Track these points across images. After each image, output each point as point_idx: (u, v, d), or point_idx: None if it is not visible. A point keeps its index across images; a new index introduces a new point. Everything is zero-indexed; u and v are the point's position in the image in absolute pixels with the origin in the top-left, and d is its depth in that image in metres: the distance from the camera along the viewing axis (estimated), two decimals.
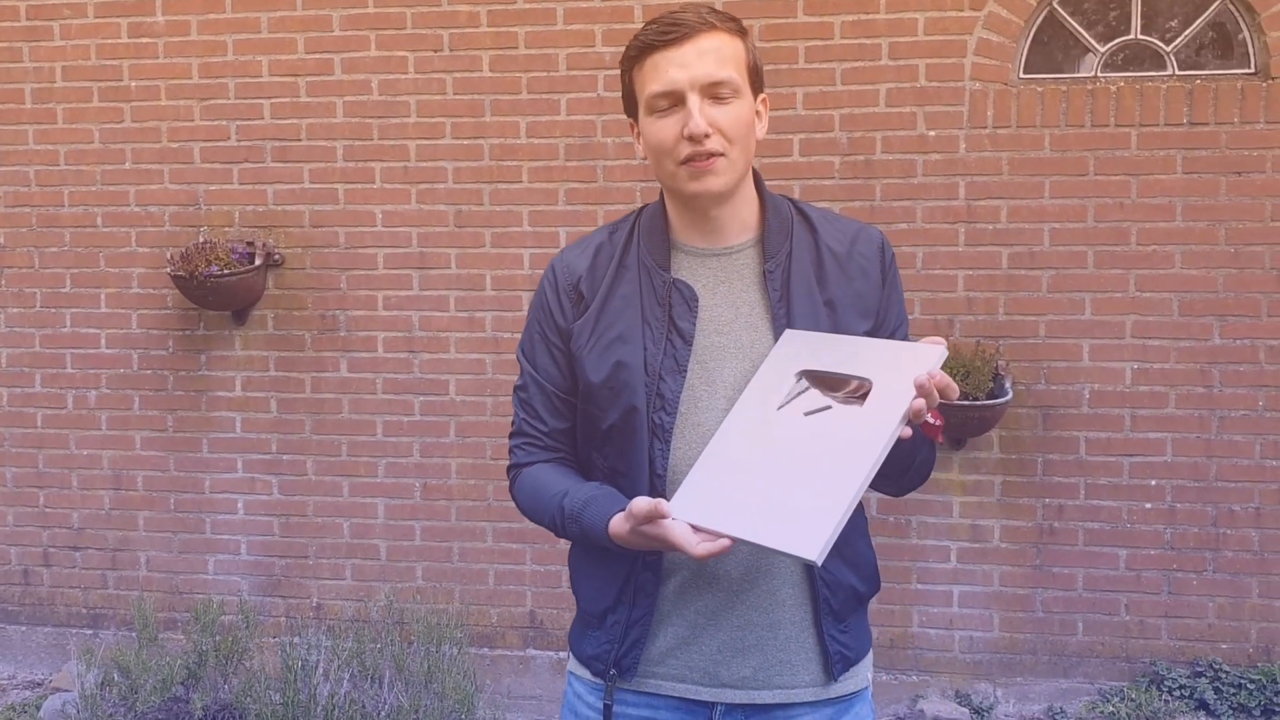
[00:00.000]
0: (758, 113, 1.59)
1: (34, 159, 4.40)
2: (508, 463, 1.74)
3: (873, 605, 4.06)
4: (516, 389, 1.73)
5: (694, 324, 1.57)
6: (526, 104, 4.13)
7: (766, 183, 1.68)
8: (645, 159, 1.63)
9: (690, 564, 1.57)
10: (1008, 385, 3.80)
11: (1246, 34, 3.86)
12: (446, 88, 4.16)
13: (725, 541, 1.39)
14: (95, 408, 4.44)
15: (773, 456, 1.43)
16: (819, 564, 1.31)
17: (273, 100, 4.26)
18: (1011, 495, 3.98)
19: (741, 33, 1.57)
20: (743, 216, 1.62)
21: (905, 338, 1.67)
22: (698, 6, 1.55)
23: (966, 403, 3.71)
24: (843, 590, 1.61)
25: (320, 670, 3.87)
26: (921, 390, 1.39)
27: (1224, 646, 3.92)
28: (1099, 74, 3.94)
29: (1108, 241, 3.90)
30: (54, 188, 4.40)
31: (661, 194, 1.65)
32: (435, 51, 4.16)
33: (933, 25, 3.90)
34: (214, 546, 4.42)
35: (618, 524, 1.50)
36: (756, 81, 1.58)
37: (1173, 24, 3.92)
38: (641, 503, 1.45)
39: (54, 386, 4.46)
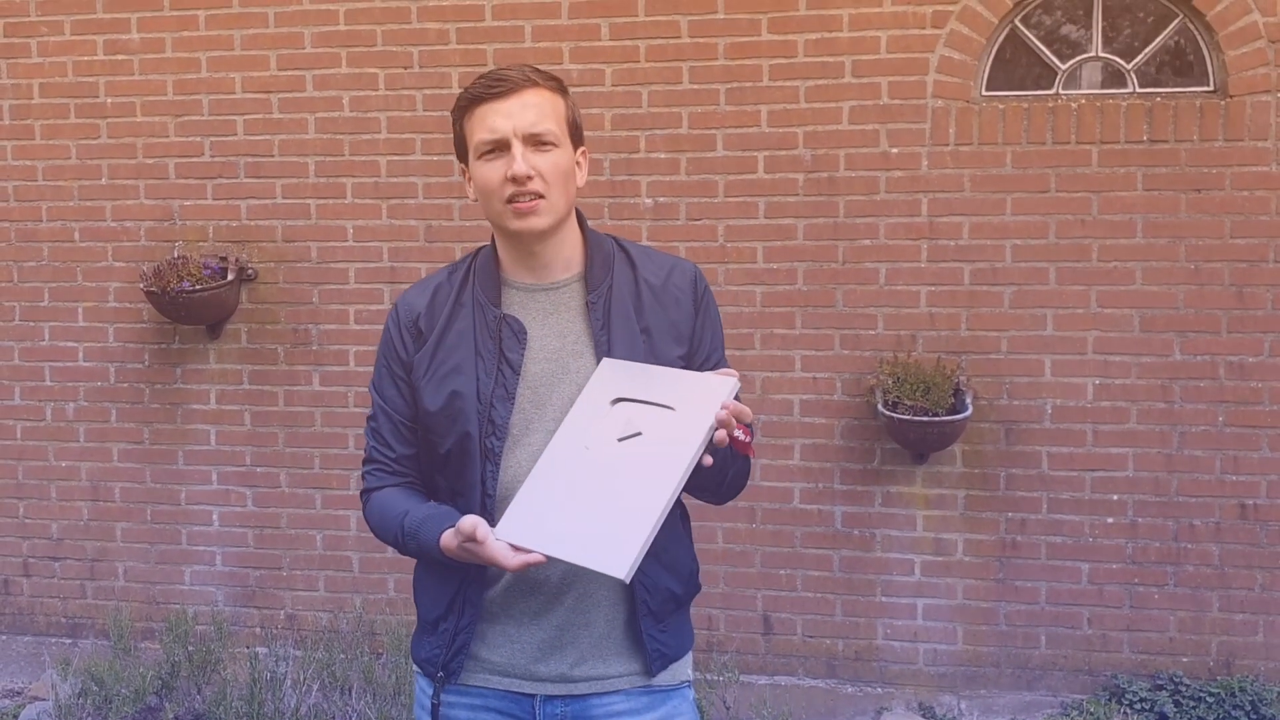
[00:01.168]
0: (577, 163, 1.76)
1: (12, 175, 4.45)
2: (361, 488, 1.88)
3: (837, 617, 4.10)
4: (368, 419, 1.87)
5: (522, 355, 1.73)
6: None
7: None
8: (476, 200, 1.75)
9: (514, 574, 1.70)
10: (968, 400, 3.84)
11: (1206, 52, 3.88)
12: (417, 104, 4.21)
13: (537, 556, 1.55)
14: (73, 420, 4.50)
15: (587, 480, 1.58)
16: (626, 580, 1.45)
17: (246, 117, 4.31)
18: (975, 509, 4.01)
19: (562, 91, 1.74)
20: (565, 255, 1.77)
21: (721, 361, 1.83)
22: (523, 66, 1.73)
23: (926, 418, 3.75)
24: (660, 593, 1.77)
25: (289, 681, 3.92)
26: (721, 422, 1.56)
27: (1185, 660, 3.95)
28: (1060, 91, 3.96)
29: (1069, 258, 3.92)
30: (32, 203, 4.45)
31: (493, 239, 1.81)
32: (405, 69, 4.20)
33: (895, 43, 3.93)
34: (190, 557, 4.47)
35: (447, 539, 1.65)
36: (576, 135, 1.75)
37: (1133, 42, 3.94)
38: (467, 522, 1.60)
39: (33, 399, 4.52)
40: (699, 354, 1.80)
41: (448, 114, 4.13)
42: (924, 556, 4.05)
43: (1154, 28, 3.92)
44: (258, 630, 4.42)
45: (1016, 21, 3.97)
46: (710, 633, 4.17)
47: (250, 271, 4.31)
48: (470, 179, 1.75)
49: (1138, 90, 3.92)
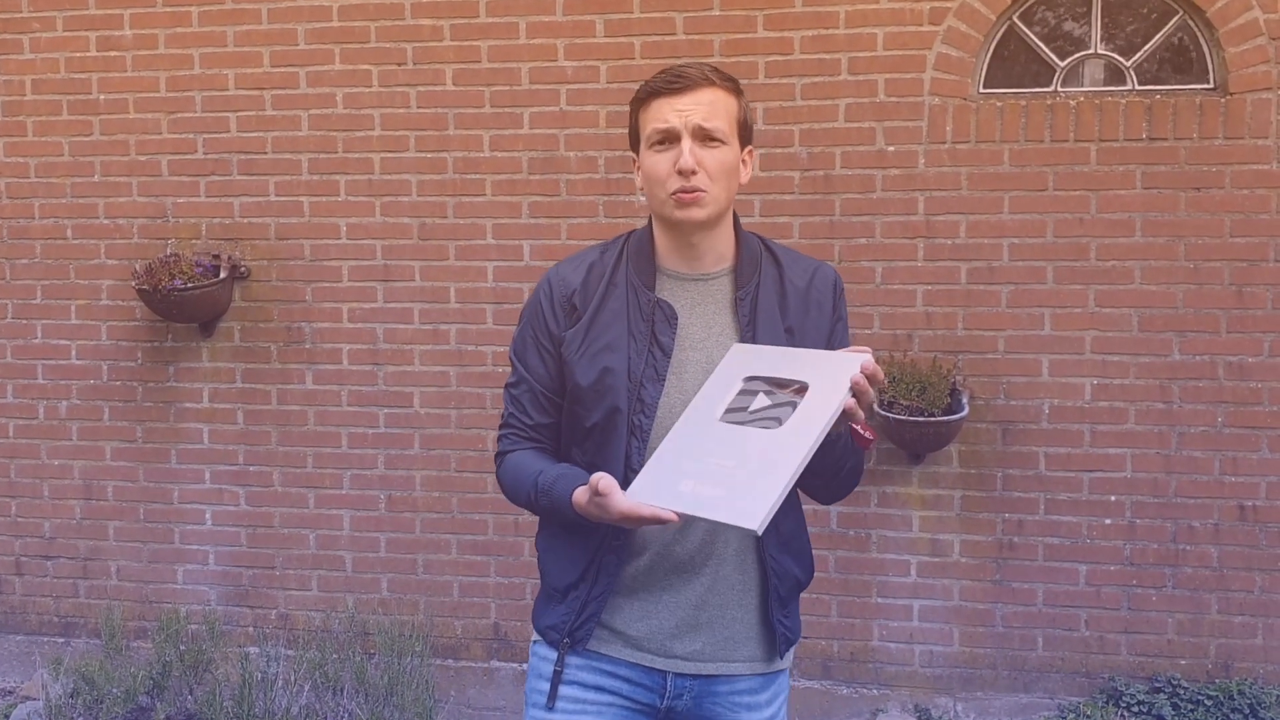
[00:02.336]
0: (743, 161, 1.82)
1: (4, 171, 4.43)
2: (495, 450, 1.95)
3: (832, 617, 4.07)
4: (508, 385, 1.92)
5: (673, 339, 1.79)
6: (490, 118, 4.14)
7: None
8: (643, 189, 1.82)
9: (653, 547, 1.79)
10: (965, 400, 3.80)
11: (1206, 49, 3.85)
12: (410, 101, 4.18)
13: (669, 512, 1.57)
14: (66, 418, 4.48)
15: (718, 447, 1.61)
16: (759, 532, 1.48)
17: (239, 113, 4.28)
18: (971, 510, 3.98)
19: (737, 92, 1.81)
20: (720, 248, 1.83)
21: (844, 342, 1.89)
22: (702, 64, 1.80)
23: (922, 418, 3.72)
24: (788, 580, 1.85)
25: (280, 681, 3.89)
26: (858, 386, 1.59)
27: (1183, 662, 3.92)
28: (1058, 89, 3.93)
29: (1067, 257, 3.89)
30: (24, 200, 4.43)
31: (650, 221, 1.86)
32: (399, 65, 4.17)
33: (892, 40, 3.90)
34: (183, 556, 4.45)
35: (579, 495, 1.70)
36: (745, 134, 1.82)
37: (1133, 39, 3.91)
38: (596, 475, 1.66)
39: (25, 397, 4.49)
40: (830, 340, 1.88)
41: (441, 111, 4.17)
42: (920, 557, 4.02)
43: (1154, 24, 3.88)
44: (250, 630, 4.40)
45: (1015, 18, 3.93)
46: None
47: (243, 269, 4.29)
48: (639, 168, 1.82)
49: (1137, 88, 3.89)
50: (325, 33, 4.20)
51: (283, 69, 4.24)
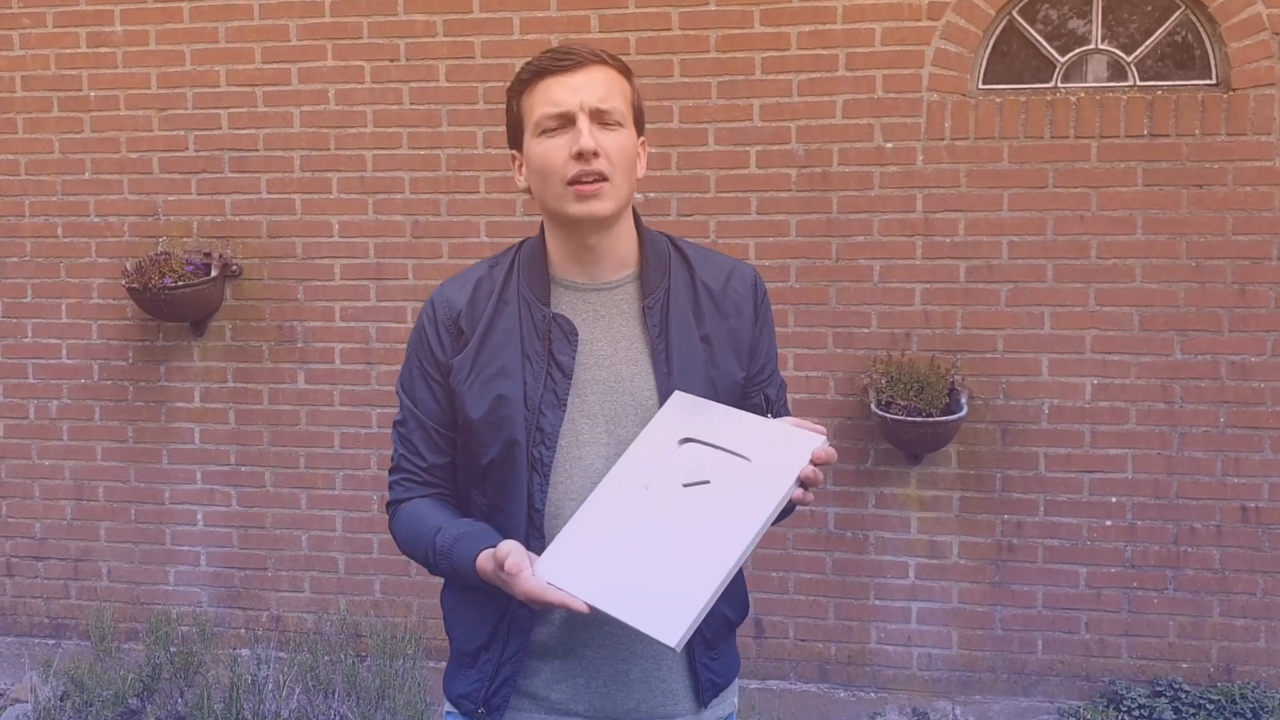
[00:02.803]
0: (639, 153, 1.64)
1: None
2: (387, 499, 1.74)
3: (829, 620, 4.03)
4: (395, 424, 1.72)
5: (574, 358, 1.60)
6: (483, 114, 4.09)
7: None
8: (527, 189, 1.63)
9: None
10: (963, 400, 3.75)
11: (1208, 45, 3.79)
12: (403, 97, 4.13)
13: (578, 603, 1.40)
14: (57, 418, 4.43)
15: (644, 526, 1.43)
16: (677, 650, 1.30)
17: (230, 110, 4.24)
18: (970, 511, 3.93)
19: (628, 73, 1.64)
20: (621, 252, 1.64)
21: (774, 373, 1.73)
22: (587, 44, 1.62)
23: (920, 418, 3.67)
24: (716, 619, 1.65)
25: (270, 684, 3.85)
26: (808, 479, 1.46)
27: (1184, 666, 3.87)
28: (1059, 85, 3.88)
29: (1067, 255, 3.84)
30: (14, 198, 4.39)
31: (541, 229, 1.67)
32: (392, 61, 4.13)
33: (890, 35, 3.85)
34: (174, 557, 4.41)
35: (484, 562, 1.51)
36: (639, 121, 1.64)
37: (1134, 35, 3.85)
38: (504, 548, 1.47)
39: (16, 396, 4.45)
40: (755, 363, 1.69)
41: (434, 108, 4.13)
42: (918, 559, 3.97)
43: (1155, 20, 3.83)
44: (242, 632, 4.36)
45: (1014, 13, 3.88)
46: None
47: (234, 268, 4.25)
48: (522, 165, 1.63)
49: (1138, 84, 3.84)
50: (317, 29, 4.15)
51: (274, 65, 4.20)
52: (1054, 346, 3.86)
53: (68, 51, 4.30)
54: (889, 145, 3.88)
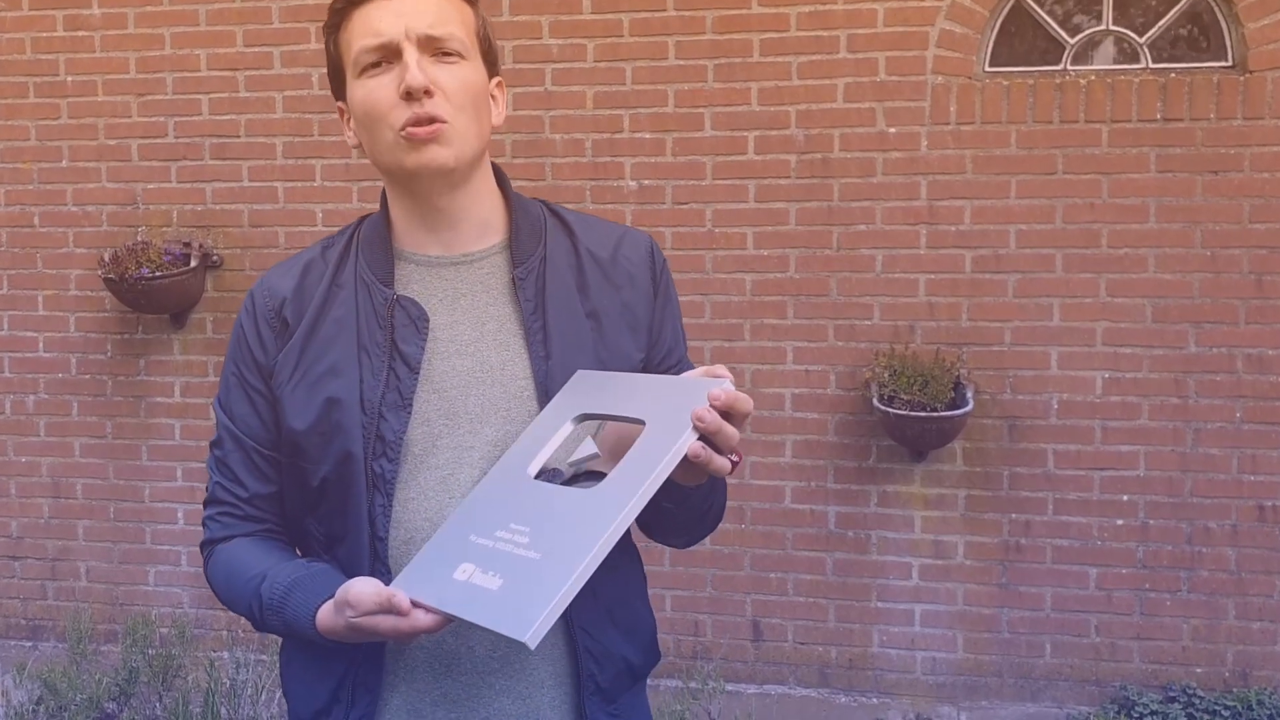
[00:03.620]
0: (493, 95, 1.38)
1: None
2: (202, 538, 1.45)
3: (830, 623, 3.89)
4: (211, 446, 1.43)
5: (422, 347, 1.32)
6: None
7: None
8: (358, 144, 1.37)
9: (423, 643, 1.30)
10: (969, 395, 3.62)
11: (1224, 25, 3.66)
12: None
13: (432, 618, 1.15)
14: (34, 413, 4.31)
15: (519, 520, 1.19)
16: (531, 646, 1.07)
17: (211, 95, 4.11)
18: (976, 510, 3.80)
19: (471, 1, 1.37)
20: (482, 215, 1.37)
21: (683, 359, 1.46)
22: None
23: (925, 413, 3.53)
24: (613, 664, 1.36)
25: (250, 688, 3.72)
26: (704, 425, 1.12)
27: (1198, 670, 3.74)
28: (1068, 67, 3.74)
29: (1077, 244, 3.70)
30: None
31: (383, 197, 1.40)
32: None
33: (893, 16, 3.71)
34: (154, 557, 4.28)
35: (327, 617, 1.23)
36: (490, 57, 1.37)
37: (1147, 15, 3.71)
38: (363, 590, 1.17)
39: None
40: (659, 348, 1.42)
41: None
42: (922, 559, 3.84)
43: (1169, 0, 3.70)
44: (224, 634, 4.23)
45: None
46: (696, 639, 3.96)
47: (215, 258, 4.12)
48: (349, 116, 1.36)
49: (1151, 66, 3.70)
50: (300, 10, 4.02)
51: (256, 49, 4.07)
52: (1063, 339, 3.72)
53: (44, 35, 4.17)
54: (892, 130, 3.75)
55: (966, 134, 3.72)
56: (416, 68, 1.25)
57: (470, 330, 1.35)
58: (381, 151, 1.31)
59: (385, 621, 1.15)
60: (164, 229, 4.15)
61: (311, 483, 1.33)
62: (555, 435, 1.24)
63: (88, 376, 4.26)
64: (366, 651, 1.31)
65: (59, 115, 4.20)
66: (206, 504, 1.42)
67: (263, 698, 3.71)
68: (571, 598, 1.09)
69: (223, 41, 4.08)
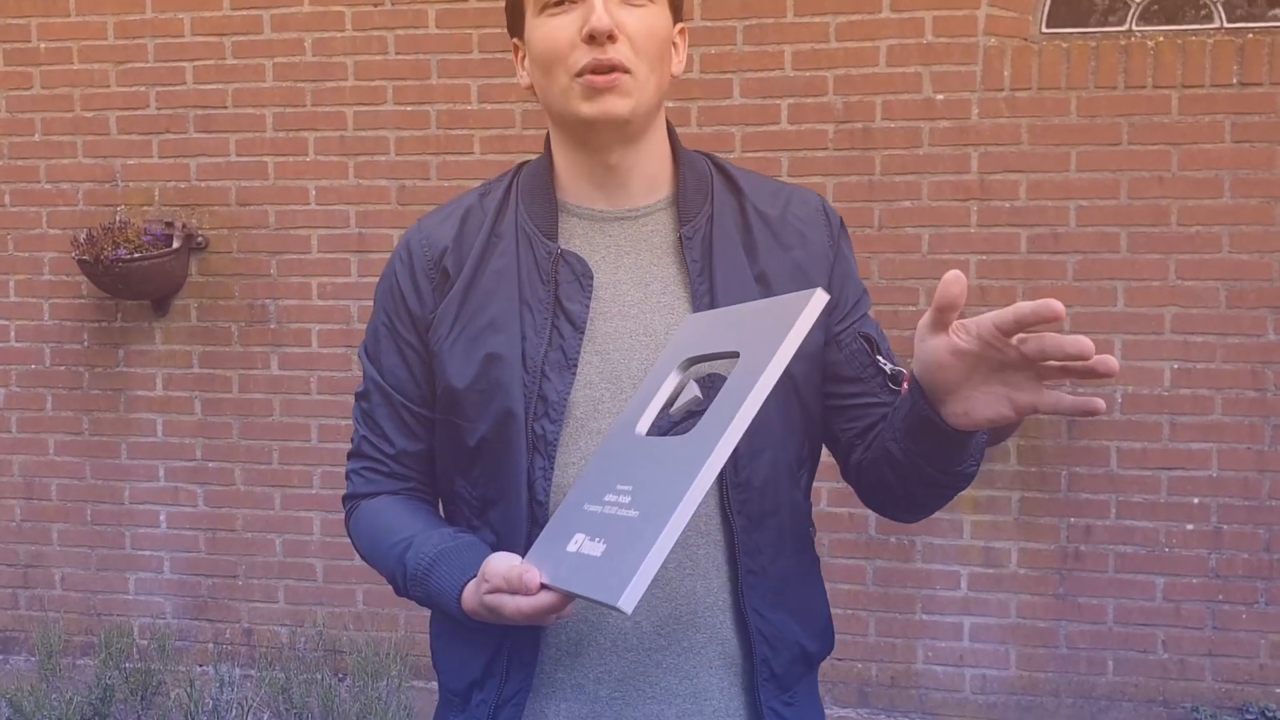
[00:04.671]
0: (674, 43, 1.31)
1: None
2: (345, 492, 1.40)
3: (870, 637, 3.57)
4: (358, 398, 1.38)
5: (587, 305, 1.26)
6: (477, 64, 3.65)
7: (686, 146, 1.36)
8: (530, 88, 1.30)
9: (586, 617, 1.26)
10: None
11: None
12: (388, 47, 3.69)
13: (553, 597, 1.06)
14: (4, 408, 4.00)
15: (622, 477, 1.09)
16: (628, 611, 0.96)
17: (195, 63, 3.80)
18: (1031, 514, 3.49)
19: None
20: (651, 171, 1.31)
21: (866, 316, 1.36)
22: None
23: None
24: (787, 649, 1.28)
25: (235, 707, 3.40)
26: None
27: (1277, 690, 3.42)
28: (1133, 27, 3.43)
29: (1144, 221, 3.39)
30: None
31: (548, 143, 1.34)
32: (375, 6, 3.68)
33: None
34: (135, 563, 3.96)
35: (471, 595, 1.16)
36: (676, 3, 1.30)
37: None
38: (496, 564, 1.10)
39: None
40: (837, 312, 1.33)
41: (422, 58, 3.65)
42: (972, 568, 3.52)
43: None
44: (209, 647, 3.91)
45: None
46: None
47: (200, 239, 3.80)
48: (523, 57, 1.31)
49: (1225, 25, 3.38)
50: None
51: (244, 12, 3.76)
52: (1128, 326, 3.41)
53: None
54: (940, 97, 3.44)
55: (1022, 101, 3.41)
56: (603, 9, 1.20)
57: (634, 290, 1.29)
58: (555, 97, 1.26)
59: (509, 603, 1.08)
60: (145, 208, 3.84)
61: (468, 442, 1.28)
62: (663, 386, 1.15)
63: (63, 368, 3.96)
64: (522, 626, 1.21)
65: (31, 85, 3.90)
66: (351, 456, 1.39)
67: (249, 718, 3.39)
68: (666, 552, 0.97)
69: (208, 4, 3.77)
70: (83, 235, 3.67)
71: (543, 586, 1.05)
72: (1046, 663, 3.53)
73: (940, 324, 1.05)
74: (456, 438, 1.29)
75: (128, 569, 3.98)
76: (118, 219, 3.78)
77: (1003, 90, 3.42)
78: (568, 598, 1.06)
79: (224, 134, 3.80)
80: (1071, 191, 3.42)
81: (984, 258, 3.46)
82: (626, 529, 1.01)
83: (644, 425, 1.12)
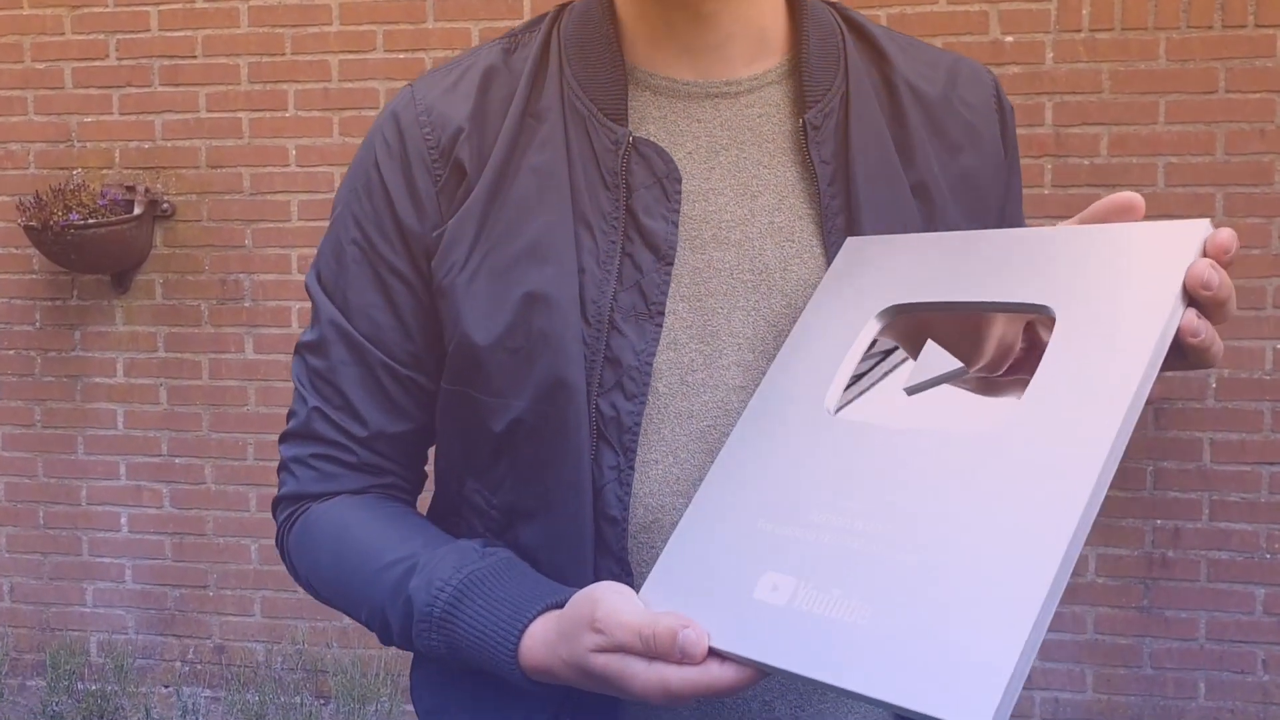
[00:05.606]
0: None
1: None
2: (275, 493, 0.99)
3: None
4: (303, 350, 0.96)
5: (675, 224, 0.88)
6: (479, 6, 3.30)
7: None
8: None
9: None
10: None
11: None
12: None
13: (733, 672, 0.70)
14: None
15: (841, 486, 0.72)
16: None
17: (161, 7, 3.46)
18: (1111, 515, 3.17)
19: None
20: (760, 25, 0.92)
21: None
22: None
23: None
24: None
25: None
26: (1209, 292, 0.68)
27: None
28: None
29: (1242, 180, 3.06)
30: None
31: None
32: None
33: None
34: (93, 572, 3.60)
35: (541, 647, 0.78)
36: None
37: None
38: (620, 607, 0.73)
39: None
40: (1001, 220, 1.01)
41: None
42: None
43: None
44: (176, 665, 3.54)
45: None
46: None
47: (165, 205, 3.45)
48: None
49: None
50: None
51: None
52: None
53: None
54: (1009, 39, 3.11)
55: (1103, 43, 3.07)
56: None
57: (736, 204, 0.90)
58: None
59: (644, 673, 0.71)
60: (104, 171, 3.49)
61: (492, 426, 0.89)
62: (853, 344, 0.79)
63: (12, 352, 3.61)
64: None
65: None
66: (289, 437, 0.97)
67: None
68: (1039, 642, 0.62)
69: None
70: (30, 199, 3.29)
71: (712, 651, 0.69)
72: (1128, 685, 3.20)
73: None
74: (474, 419, 0.90)
75: (84, 578, 3.62)
76: (72, 182, 3.41)
77: (1081, 31, 3.08)
78: (755, 673, 0.69)
79: (193, 87, 3.46)
80: (1160, 146, 3.10)
81: (1061, 220, 3.09)
82: (914, 584, 0.64)
83: (832, 399, 0.77)
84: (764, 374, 0.85)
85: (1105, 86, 3.09)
